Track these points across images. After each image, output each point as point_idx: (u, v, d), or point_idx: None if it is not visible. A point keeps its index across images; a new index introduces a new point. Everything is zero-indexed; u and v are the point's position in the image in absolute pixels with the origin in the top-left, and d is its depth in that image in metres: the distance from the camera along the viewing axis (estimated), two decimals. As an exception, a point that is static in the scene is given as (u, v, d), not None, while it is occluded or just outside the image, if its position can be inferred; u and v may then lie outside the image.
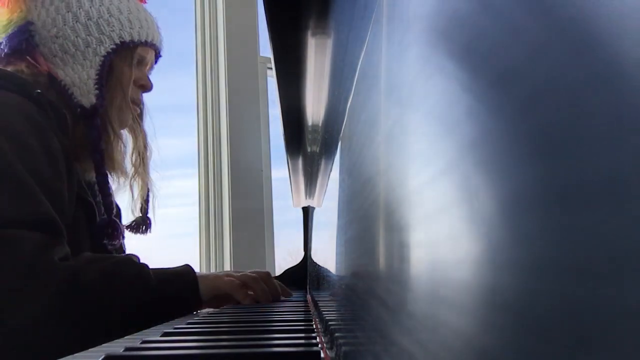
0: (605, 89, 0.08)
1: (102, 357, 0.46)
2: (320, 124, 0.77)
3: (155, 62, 1.14)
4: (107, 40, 1.02)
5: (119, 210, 1.10)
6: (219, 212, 1.88)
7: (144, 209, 1.13)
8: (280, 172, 1.93)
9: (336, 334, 0.42)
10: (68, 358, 0.47)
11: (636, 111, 0.07)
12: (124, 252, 1.10)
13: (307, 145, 0.96)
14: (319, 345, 0.49)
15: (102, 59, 1.01)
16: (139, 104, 1.10)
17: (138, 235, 1.15)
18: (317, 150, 0.86)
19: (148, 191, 1.12)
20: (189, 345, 0.55)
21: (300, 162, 1.08)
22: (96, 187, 1.02)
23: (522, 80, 0.11)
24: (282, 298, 1.11)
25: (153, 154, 1.13)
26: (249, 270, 1.06)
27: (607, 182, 0.08)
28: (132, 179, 1.10)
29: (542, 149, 0.09)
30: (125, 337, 0.59)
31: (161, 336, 0.60)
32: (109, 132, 1.02)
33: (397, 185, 0.21)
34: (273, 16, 0.55)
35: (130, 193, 1.11)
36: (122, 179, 1.08)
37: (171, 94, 2.11)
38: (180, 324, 0.70)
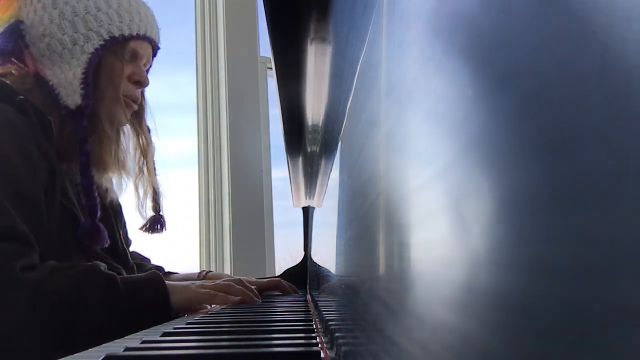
0: (606, 89, 0.08)
1: (102, 357, 0.46)
2: (320, 124, 0.77)
3: (154, 55, 1.09)
4: (94, 36, 0.97)
5: (108, 212, 1.05)
6: (219, 212, 1.88)
7: (157, 207, 1.10)
8: (280, 172, 1.94)
9: (336, 334, 0.42)
10: (68, 358, 0.47)
11: (637, 111, 0.07)
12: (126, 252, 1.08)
13: (307, 145, 0.96)
14: (319, 345, 0.49)
15: (89, 56, 0.96)
16: (136, 100, 1.05)
17: (154, 234, 1.12)
18: (317, 150, 0.86)
19: (159, 189, 1.09)
20: (189, 345, 0.55)
21: (300, 162, 1.08)
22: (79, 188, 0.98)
23: (522, 80, 0.11)
24: (281, 297, 1.11)
25: (155, 152, 1.10)
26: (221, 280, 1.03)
27: (607, 182, 0.08)
28: (137, 178, 1.06)
29: (542, 149, 0.09)
30: (125, 337, 0.59)
31: (161, 336, 0.60)
32: (99, 132, 0.97)
33: (397, 185, 0.21)
34: (273, 16, 0.55)
35: (136, 193, 1.08)
36: (125, 178, 1.04)
37: (171, 94, 2.11)
38: (180, 324, 0.70)
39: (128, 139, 1.07)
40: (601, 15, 0.08)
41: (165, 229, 1.12)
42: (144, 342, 0.54)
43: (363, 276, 0.30)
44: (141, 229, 1.10)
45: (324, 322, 0.57)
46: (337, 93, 0.54)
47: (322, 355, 0.45)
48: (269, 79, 1.99)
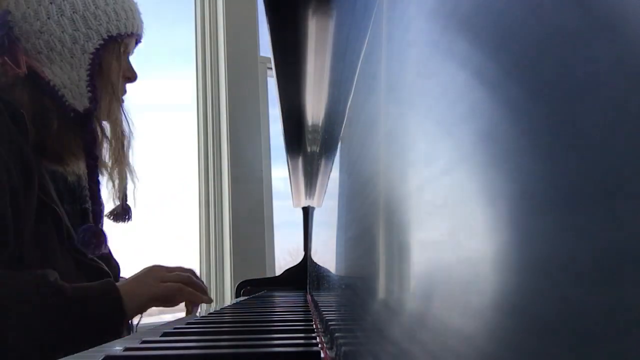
0: (607, 88, 0.08)
1: (102, 357, 0.46)
2: (320, 124, 0.77)
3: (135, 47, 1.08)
4: (94, 35, 0.95)
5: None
6: (219, 212, 1.88)
7: (124, 197, 1.06)
8: (280, 172, 1.94)
9: (336, 334, 0.42)
10: (68, 358, 0.47)
11: (638, 110, 0.07)
12: (110, 256, 1.06)
13: (307, 145, 0.96)
14: (319, 345, 0.49)
15: (91, 56, 0.94)
16: (124, 95, 1.04)
17: (119, 224, 1.09)
18: (317, 150, 0.86)
19: (126, 179, 1.06)
20: (189, 345, 0.55)
21: (300, 162, 1.08)
22: (86, 192, 0.97)
23: (523, 79, 0.10)
24: (281, 297, 1.11)
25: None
26: (175, 267, 1.01)
27: (608, 182, 0.07)
28: (112, 169, 1.03)
29: (543, 149, 0.09)
30: (125, 337, 0.59)
31: (161, 336, 0.60)
32: (98, 133, 0.97)
33: (397, 185, 0.21)
34: (273, 16, 0.55)
35: (112, 182, 1.04)
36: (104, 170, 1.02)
37: (171, 94, 2.11)
38: (180, 324, 0.70)
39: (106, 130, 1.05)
40: (603, 13, 0.08)
41: (131, 219, 1.09)
42: (143, 342, 0.54)
43: (363, 276, 0.30)
44: (107, 216, 1.06)
45: (324, 322, 0.57)
46: (337, 93, 0.54)
47: (322, 355, 0.45)
48: (269, 79, 1.99)
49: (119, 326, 0.86)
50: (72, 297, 0.80)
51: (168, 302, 0.95)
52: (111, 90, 0.98)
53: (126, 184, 1.07)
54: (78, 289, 0.83)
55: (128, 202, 1.07)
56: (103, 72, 0.96)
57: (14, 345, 0.73)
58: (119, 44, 0.98)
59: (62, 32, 0.93)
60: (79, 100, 0.93)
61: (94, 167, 0.94)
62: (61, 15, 0.93)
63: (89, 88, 0.93)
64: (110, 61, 0.97)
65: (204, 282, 1.04)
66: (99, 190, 0.96)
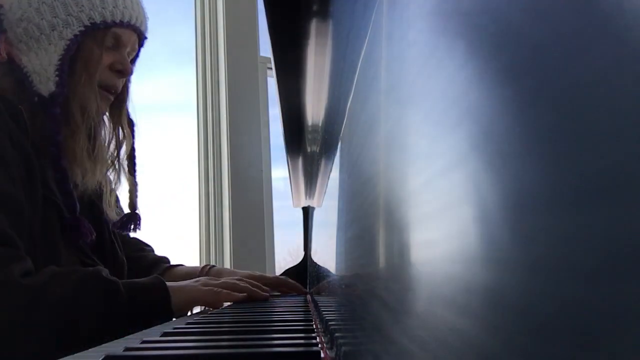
0: (608, 88, 0.08)
1: (102, 357, 0.46)
2: (320, 124, 0.77)
3: (141, 45, 1.03)
4: (74, 21, 0.92)
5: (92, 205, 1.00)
6: (219, 212, 1.88)
7: (132, 205, 1.05)
8: (280, 172, 1.94)
9: (336, 334, 0.42)
10: (68, 358, 0.47)
11: (638, 111, 0.07)
12: (113, 251, 1.04)
13: (307, 145, 0.96)
14: (319, 345, 0.49)
15: (67, 42, 0.91)
16: (115, 89, 0.99)
17: (127, 232, 1.09)
18: (317, 150, 0.86)
19: (136, 186, 1.05)
20: (189, 345, 0.55)
21: (300, 162, 1.08)
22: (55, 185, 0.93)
23: (522, 79, 0.11)
24: (282, 297, 1.11)
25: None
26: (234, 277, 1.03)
27: (607, 182, 0.07)
28: (111, 172, 1.01)
29: (542, 149, 0.09)
30: (125, 337, 0.59)
31: (161, 336, 0.60)
32: (71, 123, 0.91)
33: (397, 185, 0.21)
34: (273, 16, 0.55)
35: (107, 187, 1.02)
36: (100, 171, 0.98)
37: (171, 93, 2.11)
38: (180, 324, 0.70)
39: (107, 131, 1.01)
40: (603, 13, 0.08)
41: (140, 228, 1.07)
42: (144, 342, 0.54)
43: (363, 276, 0.30)
44: (114, 226, 1.05)
45: (324, 322, 0.57)
46: (337, 93, 0.54)
47: (322, 355, 0.45)
48: (269, 79, 1.99)
49: (168, 318, 0.86)
50: (124, 292, 0.82)
51: (209, 304, 0.96)
52: (87, 79, 0.93)
53: (135, 191, 1.05)
54: (128, 284, 0.84)
55: (137, 210, 1.06)
56: (80, 59, 0.93)
57: (66, 339, 0.74)
58: (103, 32, 0.94)
59: (41, 19, 0.91)
60: (45, 84, 0.90)
61: (56, 155, 0.89)
62: (41, 2, 0.92)
63: (57, 72, 0.90)
64: (91, 49, 0.93)
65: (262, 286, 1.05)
66: (65, 178, 0.90)
